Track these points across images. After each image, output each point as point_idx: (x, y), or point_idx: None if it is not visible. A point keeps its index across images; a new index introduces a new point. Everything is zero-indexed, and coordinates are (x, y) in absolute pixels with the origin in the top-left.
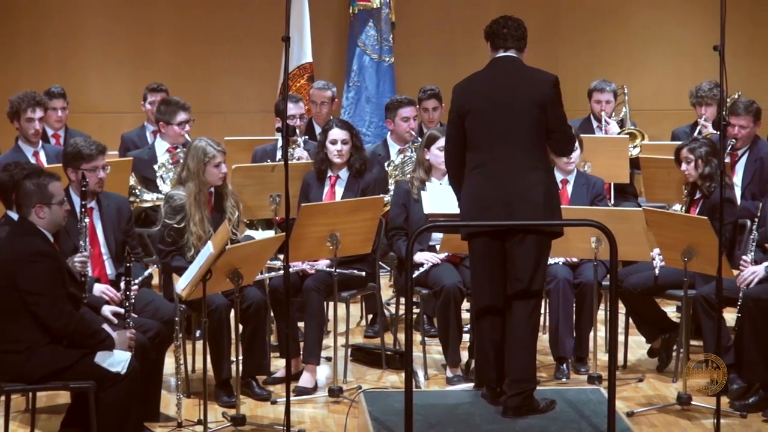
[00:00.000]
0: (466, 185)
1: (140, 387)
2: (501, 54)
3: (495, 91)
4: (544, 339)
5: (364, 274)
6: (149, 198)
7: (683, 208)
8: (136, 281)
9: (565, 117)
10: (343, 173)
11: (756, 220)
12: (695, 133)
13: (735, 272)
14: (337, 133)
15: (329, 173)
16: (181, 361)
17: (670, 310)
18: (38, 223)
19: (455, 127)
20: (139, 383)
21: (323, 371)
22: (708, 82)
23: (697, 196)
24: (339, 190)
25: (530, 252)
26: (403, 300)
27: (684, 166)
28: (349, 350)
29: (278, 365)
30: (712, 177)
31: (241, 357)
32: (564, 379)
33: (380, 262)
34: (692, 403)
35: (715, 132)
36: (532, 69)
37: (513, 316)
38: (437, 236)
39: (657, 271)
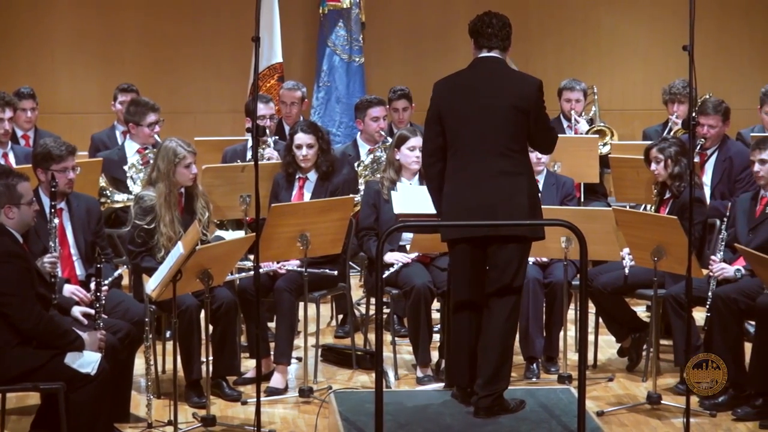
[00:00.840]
0: (449, 189)
1: (110, 388)
2: (485, 54)
3: (478, 93)
4: None
5: (336, 273)
6: (120, 199)
7: (653, 207)
8: (106, 282)
9: (549, 122)
10: (312, 175)
11: (725, 219)
12: (665, 132)
13: (704, 272)
14: (302, 138)
15: (298, 175)
16: (151, 362)
17: (640, 310)
18: (7, 224)
19: (434, 124)
20: (109, 384)
21: (293, 371)
22: (681, 80)
23: (667, 195)
24: (307, 194)
25: (513, 259)
26: (373, 300)
27: (653, 166)
28: (320, 350)
29: (248, 366)
30: (682, 177)
31: (211, 357)
32: (534, 379)
33: (350, 263)
34: (662, 402)
35: (685, 131)
36: (515, 72)
37: (491, 318)
38: (407, 236)
39: (627, 270)
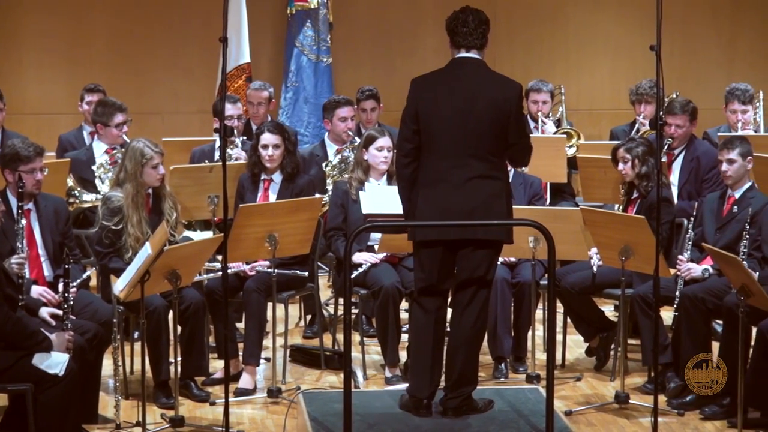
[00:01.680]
0: (426, 191)
1: (78, 389)
2: (463, 54)
3: (458, 95)
4: None
5: (306, 274)
6: (89, 199)
7: (620, 207)
8: (75, 284)
9: (526, 129)
10: (276, 176)
11: (692, 219)
12: (633, 132)
13: (672, 271)
14: (268, 138)
15: (263, 176)
16: (120, 363)
17: (608, 309)
18: None
19: (411, 123)
20: (77, 385)
21: (262, 372)
22: (648, 81)
23: (635, 195)
24: (272, 195)
25: (484, 262)
26: (341, 300)
27: (621, 166)
28: (288, 351)
29: (217, 366)
30: (649, 176)
31: (179, 358)
32: (502, 379)
33: (318, 263)
34: (630, 401)
35: (652, 131)
36: (496, 75)
37: (461, 320)
38: (376, 236)
39: (595, 269)
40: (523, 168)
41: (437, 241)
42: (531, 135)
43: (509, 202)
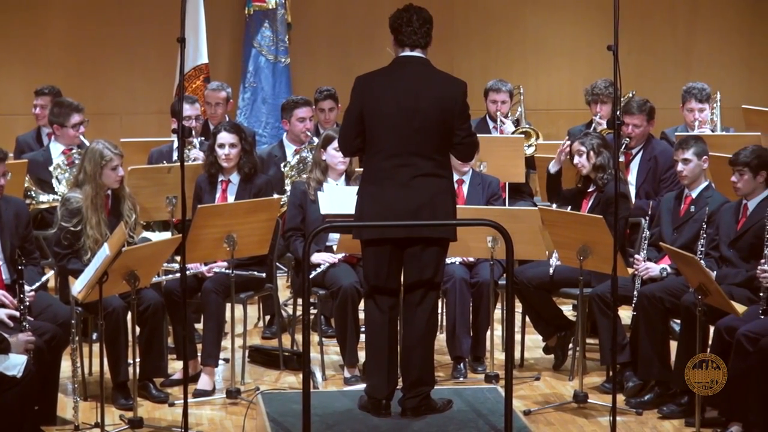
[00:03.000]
0: (372, 190)
1: (36, 390)
2: (407, 53)
3: (403, 94)
4: (441, 338)
5: (264, 275)
6: (45, 199)
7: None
8: (33, 287)
9: (471, 127)
10: (234, 177)
11: (647, 218)
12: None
13: (630, 270)
14: (224, 137)
15: (220, 177)
16: (78, 364)
17: (566, 309)
18: None
19: (356, 123)
20: (35, 387)
21: (220, 373)
22: (603, 80)
23: (591, 188)
24: (230, 197)
25: (432, 260)
26: (300, 301)
27: (576, 159)
28: (247, 351)
29: (175, 367)
30: (605, 168)
31: (138, 359)
32: (461, 379)
33: (277, 263)
34: (588, 401)
35: (610, 131)
36: (441, 74)
37: (414, 319)
38: (334, 237)
39: (552, 270)
40: (481, 168)
41: (384, 240)
42: (489, 135)
43: (454, 201)
